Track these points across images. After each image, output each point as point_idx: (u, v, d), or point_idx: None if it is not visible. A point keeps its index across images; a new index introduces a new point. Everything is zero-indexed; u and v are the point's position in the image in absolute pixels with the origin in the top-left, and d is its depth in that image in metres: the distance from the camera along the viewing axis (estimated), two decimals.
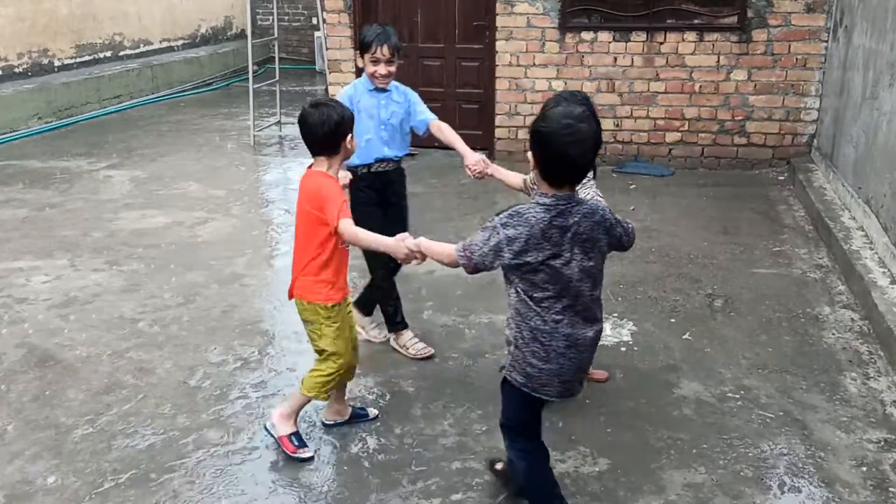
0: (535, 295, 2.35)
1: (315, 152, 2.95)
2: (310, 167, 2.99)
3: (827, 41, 6.94)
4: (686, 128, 7.42)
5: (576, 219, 2.30)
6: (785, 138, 7.27)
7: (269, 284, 4.87)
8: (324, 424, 3.33)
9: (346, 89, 3.78)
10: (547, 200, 2.30)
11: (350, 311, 3.19)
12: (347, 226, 2.84)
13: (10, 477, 3.02)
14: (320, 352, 3.09)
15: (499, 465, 2.94)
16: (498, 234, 2.30)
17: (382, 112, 3.74)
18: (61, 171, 7.49)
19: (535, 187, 2.49)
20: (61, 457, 3.14)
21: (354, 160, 3.61)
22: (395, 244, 2.79)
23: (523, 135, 7.66)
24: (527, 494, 2.69)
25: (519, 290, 2.38)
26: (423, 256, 2.73)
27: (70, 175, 7.34)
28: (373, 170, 3.75)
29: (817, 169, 6.75)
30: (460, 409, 3.45)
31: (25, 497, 2.91)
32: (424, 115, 3.85)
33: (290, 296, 3.09)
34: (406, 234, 2.82)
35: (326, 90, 9.22)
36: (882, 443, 3.20)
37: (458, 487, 2.94)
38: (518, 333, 2.43)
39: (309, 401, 3.18)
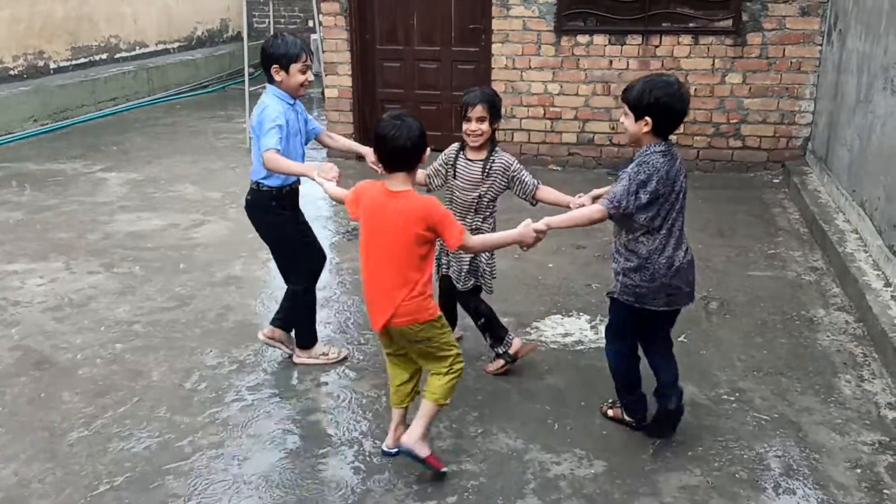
0: (642, 228, 2.93)
1: (395, 168, 2.78)
2: (378, 184, 2.85)
3: (821, 45, 6.97)
4: (681, 130, 7.42)
5: (678, 159, 2.95)
6: (780, 141, 7.29)
7: (265, 287, 4.86)
8: (384, 454, 3.13)
9: (275, 105, 3.48)
10: (662, 148, 2.93)
11: None
12: (472, 237, 2.95)
13: (6, 480, 3.01)
14: (442, 359, 2.95)
15: (610, 412, 3.38)
16: (633, 181, 2.88)
17: (301, 126, 3.66)
18: (57, 173, 7.48)
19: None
20: (56, 459, 3.14)
21: (276, 181, 3.50)
22: (524, 231, 2.95)
23: (519, 137, 7.68)
24: (617, 386, 3.28)
25: (628, 228, 2.96)
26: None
27: (65, 177, 7.33)
28: (293, 188, 3.67)
29: (812, 172, 6.78)
30: (456, 412, 3.45)
31: (20, 500, 2.90)
32: (315, 124, 3.80)
33: (385, 326, 2.86)
34: (529, 220, 2.97)
35: (322, 93, 9.23)
36: (876, 445, 3.21)
37: (454, 490, 2.94)
38: (627, 264, 2.99)
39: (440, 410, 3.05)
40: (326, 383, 3.73)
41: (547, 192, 3.57)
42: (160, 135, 9.17)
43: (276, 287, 4.81)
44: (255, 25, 14.09)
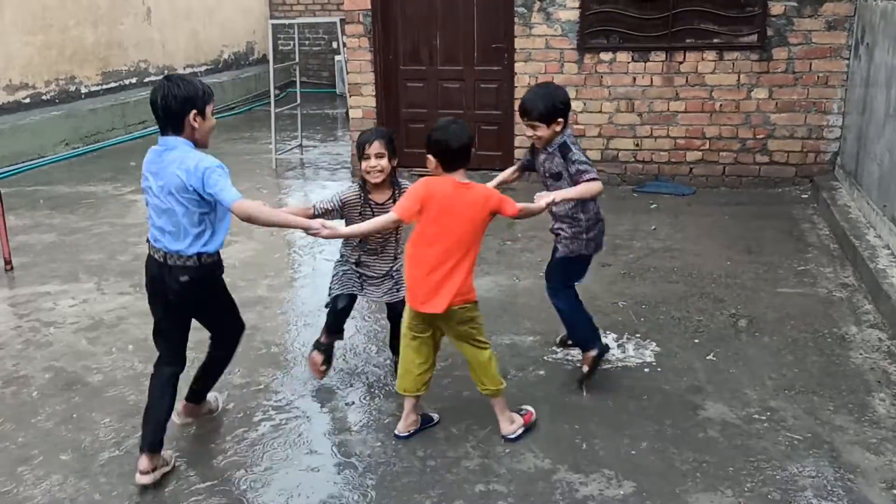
0: None
1: (459, 165, 3.20)
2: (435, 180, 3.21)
3: (848, 59, 6.91)
4: (707, 147, 7.40)
5: None
6: (808, 156, 7.22)
7: (292, 307, 4.90)
8: (397, 437, 3.39)
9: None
10: (569, 131, 3.64)
11: None
12: (517, 205, 3.26)
13: (38, 500, 3.05)
14: (479, 340, 3.34)
15: (585, 368, 3.78)
16: (582, 155, 3.57)
17: None
18: (88, 195, 7.62)
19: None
20: (88, 479, 3.17)
21: (217, 244, 3.23)
22: (538, 203, 3.28)
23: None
24: (573, 327, 3.88)
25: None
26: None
27: (96, 200, 7.46)
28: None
29: (841, 187, 6.70)
30: (483, 432, 3.44)
31: None
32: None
33: (448, 307, 3.19)
34: (541, 192, 3.38)
35: (347, 114, 9.31)
36: None
37: None
38: (577, 228, 3.67)
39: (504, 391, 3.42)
40: (353, 403, 3.73)
41: None
42: None
43: (302, 307, 4.85)
44: (281, 48, 14.29)
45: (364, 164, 3.57)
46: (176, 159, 3.00)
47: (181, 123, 2.99)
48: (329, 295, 3.78)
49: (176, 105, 2.96)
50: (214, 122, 3.17)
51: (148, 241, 3.20)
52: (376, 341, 4.38)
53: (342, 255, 3.83)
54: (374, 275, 3.77)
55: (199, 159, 3.00)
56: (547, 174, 3.69)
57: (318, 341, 3.84)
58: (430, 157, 3.19)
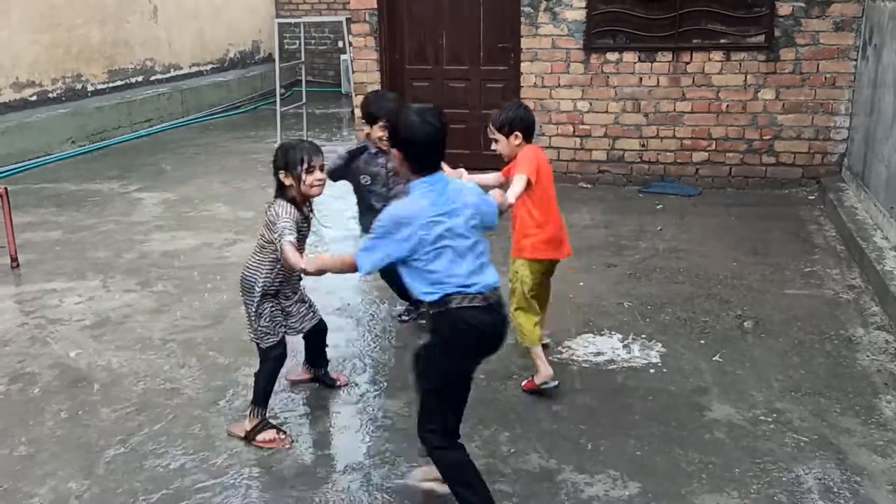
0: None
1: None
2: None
3: (856, 60, 6.89)
4: (713, 147, 7.38)
5: None
6: (815, 157, 7.19)
7: None
8: (545, 387, 3.69)
9: None
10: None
11: None
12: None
13: (44, 497, 3.06)
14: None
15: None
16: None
17: None
18: (94, 193, 7.63)
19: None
20: (94, 476, 3.18)
21: None
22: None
23: (549, 155, 7.52)
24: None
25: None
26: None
27: (102, 197, 7.48)
28: None
29: (848, 188, 6.67)
30: (488, 432, 3.43)
31: None
32: None
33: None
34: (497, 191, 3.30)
35: (352, 113, 9.32)
36: None
37: None
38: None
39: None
40: (358, 401, 3.73)
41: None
42: (194, 155, 9.32)
43: None
44: (286, 47, 14.29)
45: (309, 179, 3.29)
46: (461, 188, 2.80)
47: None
48: (264, 340, 3.42)
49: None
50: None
51: (467, 293, 2.66)
52: (377, 335, 4.37)
53: (265, 285, 3.38)
54: (290, 301, 3.53)
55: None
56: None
57: (261, 417, 3.43)
58: (516, 133, 3.62)
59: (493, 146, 3.74)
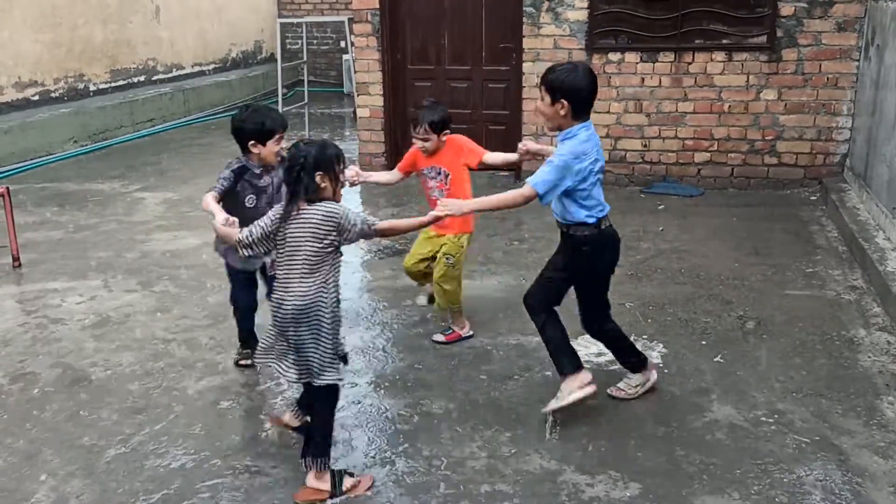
0: None
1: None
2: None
3: (858, 60, 6.88)
4: (715, 148, 7.37)
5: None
6: (817, 158, 7.19)
7: None
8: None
9: None
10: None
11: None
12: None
13: (45, 497, 3.06)
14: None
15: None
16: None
17: None
18: (96, 193, 7.64)
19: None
20: (94, 476, 3.18)
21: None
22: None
23: None
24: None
25: None
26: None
27: (104, 197, 7.48)
28: None
29: (850, 189, 6.66)
30: (489, 432, 3.43)
31: None
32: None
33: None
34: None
35: (354, 112, 9.32)
36: None
37: None
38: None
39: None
40: (359, 402, 3.73)
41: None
42: (196, 155, 9.32)
43: None
44: (289, 47, 14.31)
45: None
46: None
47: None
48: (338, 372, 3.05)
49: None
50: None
51: (607, 217, 3.44)
52: (384, 339, 4.37)
53: (335, 304, 2.97)
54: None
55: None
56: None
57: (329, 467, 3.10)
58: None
59: (420, 145, 4.21)
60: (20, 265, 5.58)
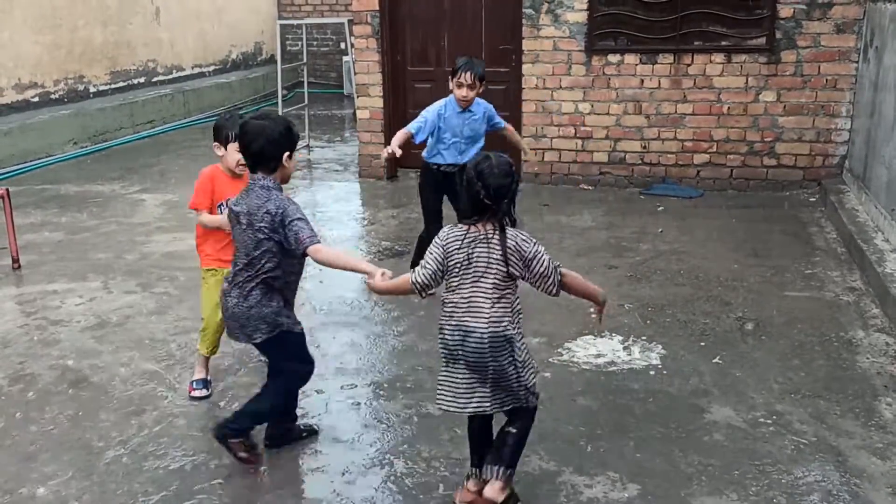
0: None
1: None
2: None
3: (857, 62, 6.89)
4: (714, 149, 7.38)
5: None
6: (816, 159, 7.19)
7: (299, 306, 4.89)
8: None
9: (437, 104, 4.81)
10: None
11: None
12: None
13: (43, 498, 3.06)
14: None
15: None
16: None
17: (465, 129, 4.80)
18: (96, 195, 7.64)
19: None
20: (93, 478, 3.18)
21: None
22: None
23: (550, 157, 7.67)
24: None
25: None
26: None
27: (104, 199, 7.49)
28: (442, 169, 4.92)
29: (849, 190, 6.67)
30: None
31: None
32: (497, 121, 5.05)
33: None
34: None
35: (354, 114, 9.33)
36: None
37: None
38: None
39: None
40: (360, 404, 3.74)
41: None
42: (196, 156, 9.32)
43: (311, 305, 4.85)
44: (289, 48, 14.32)
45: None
46: None
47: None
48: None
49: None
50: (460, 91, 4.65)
51: None
52: (383, 343, 4.38)
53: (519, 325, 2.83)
54: None
55: None
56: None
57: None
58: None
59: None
60: (20, 267, 5.59)
